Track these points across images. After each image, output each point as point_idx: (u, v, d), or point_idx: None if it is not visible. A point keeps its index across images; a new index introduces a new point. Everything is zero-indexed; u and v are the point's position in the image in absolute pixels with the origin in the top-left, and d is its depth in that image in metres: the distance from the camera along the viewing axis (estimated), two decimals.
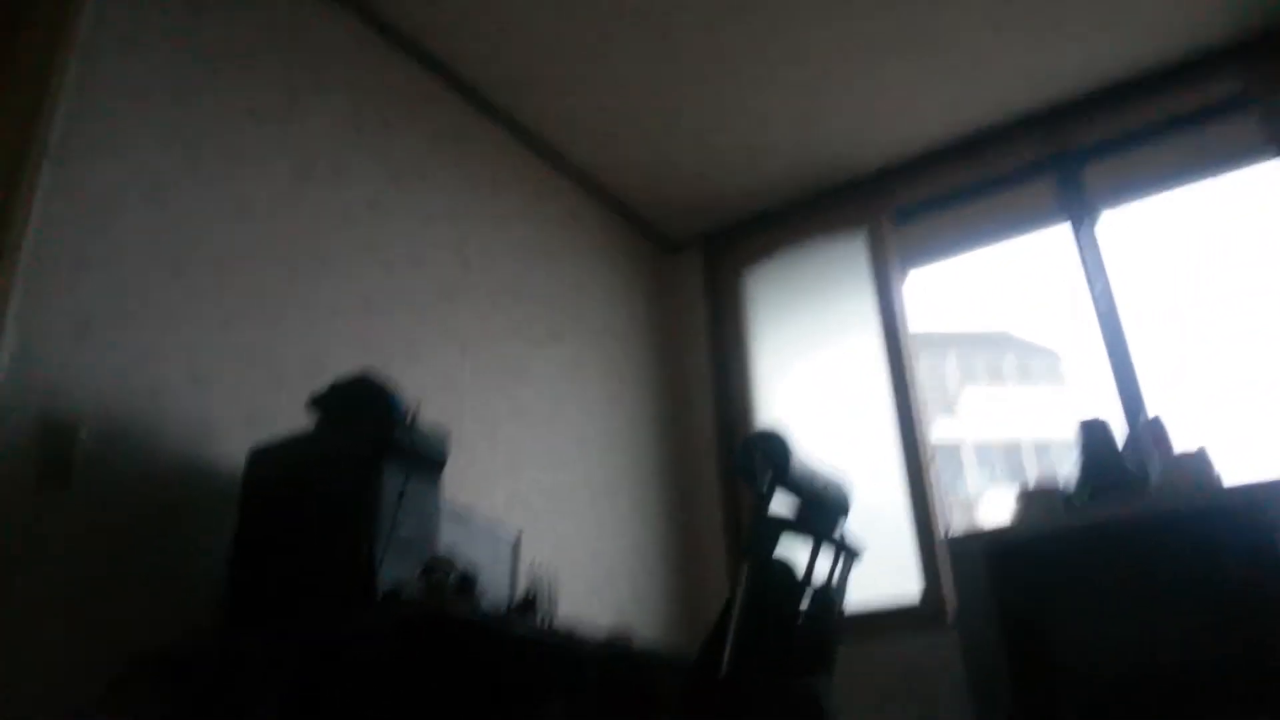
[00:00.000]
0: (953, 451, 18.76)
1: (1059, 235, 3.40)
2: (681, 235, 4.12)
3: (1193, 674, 2.21)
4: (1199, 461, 2.55)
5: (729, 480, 3.62)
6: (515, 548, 2.56)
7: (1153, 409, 3.01)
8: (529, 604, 2.04)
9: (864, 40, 3.11)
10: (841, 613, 2.27)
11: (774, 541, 2.04)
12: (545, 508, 2.97)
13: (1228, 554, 2.25)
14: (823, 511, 2.23)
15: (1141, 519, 2.39)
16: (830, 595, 2.20)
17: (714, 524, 3.58)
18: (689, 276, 4.09)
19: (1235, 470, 2.55)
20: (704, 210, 3.96)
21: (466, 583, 1.77)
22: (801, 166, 3.72)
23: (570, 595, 2.87)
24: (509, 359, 3.05)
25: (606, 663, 1.88)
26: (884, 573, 3.12)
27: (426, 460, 1.93)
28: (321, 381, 2.00)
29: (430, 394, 2.44)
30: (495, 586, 2.36)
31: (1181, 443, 2.67)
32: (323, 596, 1.76)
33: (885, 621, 3.10)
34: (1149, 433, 2.72)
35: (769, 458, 2.15)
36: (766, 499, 2.07)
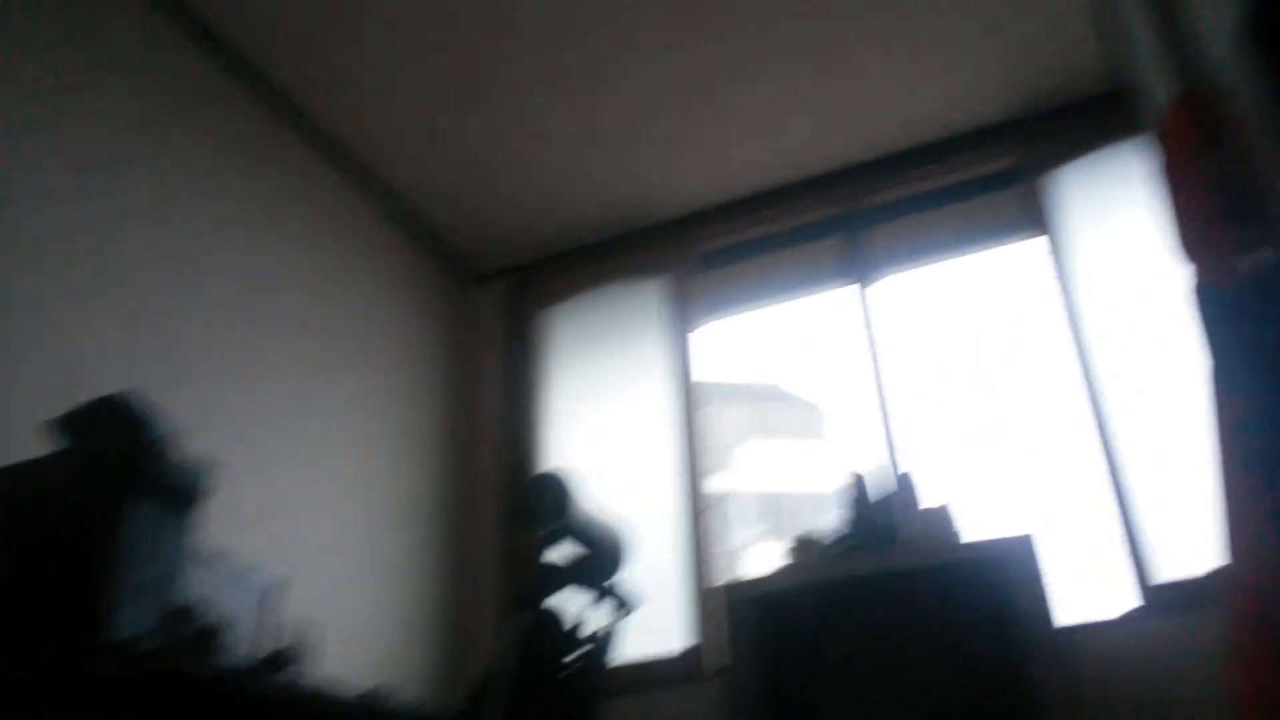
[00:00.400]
0: (726, 502, 19.37)
1: (839, 295, 3.59)
2: (485, 267, 4.01)
3: None
4: (942, 517, 2.72)
5: (510, 527, 3.53)
6: (277, 595, 2.36)
7: (905, 465, 3.21)
8: (279, 659, 1.86)
9: (685, 87, 3.18)
10: (609, 665, 2.24)
11: (548, 591, 1.99)
12: (316, 551, 2.76)
13: (965, 608, 2.40)
14: (601, 560, 2.20)
15: (891, 573, 2.51)
16: (599, 647, 2.16)
17: (491, 572, 3.47)
18: (488, 312, 3.98)
19: (977, 526, 2.74)
20: (510, 244, 3.89)
21: (208, 634, 1.59)
22: (611, 207, 3.74)
23: (335, 647, 2.68)
24: (290, 388, 2.84)
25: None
26: (655, 624, 3.12)
27: (180, 494, 1.74)
28: (76, 403, 1.77)
29: (198, 422, 2.22)
30: (249, 638, 2.15)
31: (929, 499, 2.85)
32: (44, 646, 1.53)
33: (652, 673, 3.08)
34: (900, 488, 2.89)
35: (550, 502, 2.10)
36: (544, 545, 2.02)
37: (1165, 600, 2.68)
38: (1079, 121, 3.35)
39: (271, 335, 2.81)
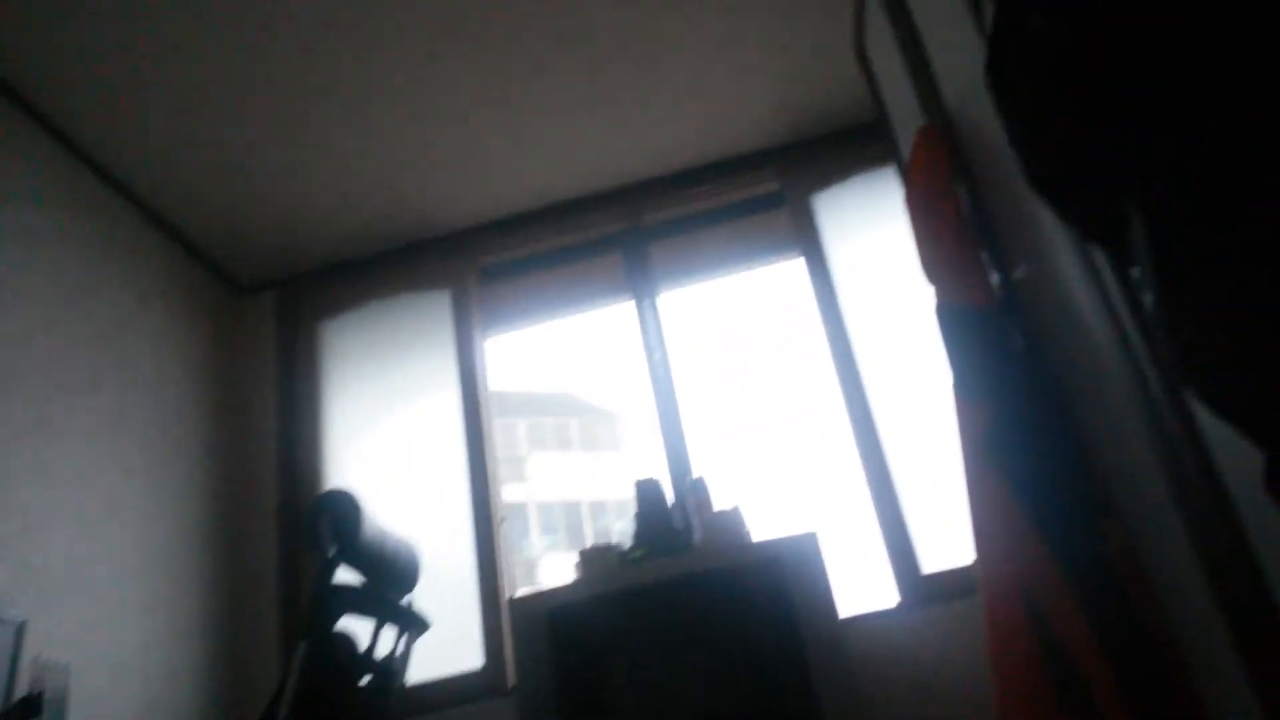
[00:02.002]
0: (519, 511, 19.30)
1: (626, 308, 3.68)
2: (254, 278, 3.79)
3: None
4: (733, 519, 2.82)
5: (288, 546, 3.36)
6: (18, 635, 2.15)
7: (698, 470, 3.32)
8: (28, 705, 1.70)
9: (459, 99, 3.12)
10: (402, 686, 2.19)
11: (335, 616, 1.92)
12: (64, 586, 2.50)
13: (753, 607, 2.50)
14: (391, 581, 2.15)
15: (685, 576, 2.58)
16: (392, 669, 2.11)
17: (270, 597, 3.28)
18: (260, 324, 3.75)
19: (763, 527, 2.87)
20: (281, 254, 3.69)
21: None
22: (389, 219, 3.63)
23: (91, 686, 2.47)
24: (32, 407, 2.56)
25: None
26: (452, 639, 3.07)
27: None
28: None
29: None
30: None
31: (721, 502, 2.96)
32: None
33: (450, 690, 3.03)
34: (693, 492, 2.98)
35: (336, 523, 2.03)
36: (330, 568, 1.95)
37: (931, 591, 2.90)
38: (839, 149, 3.61)
39: (9, 349, 2.53)
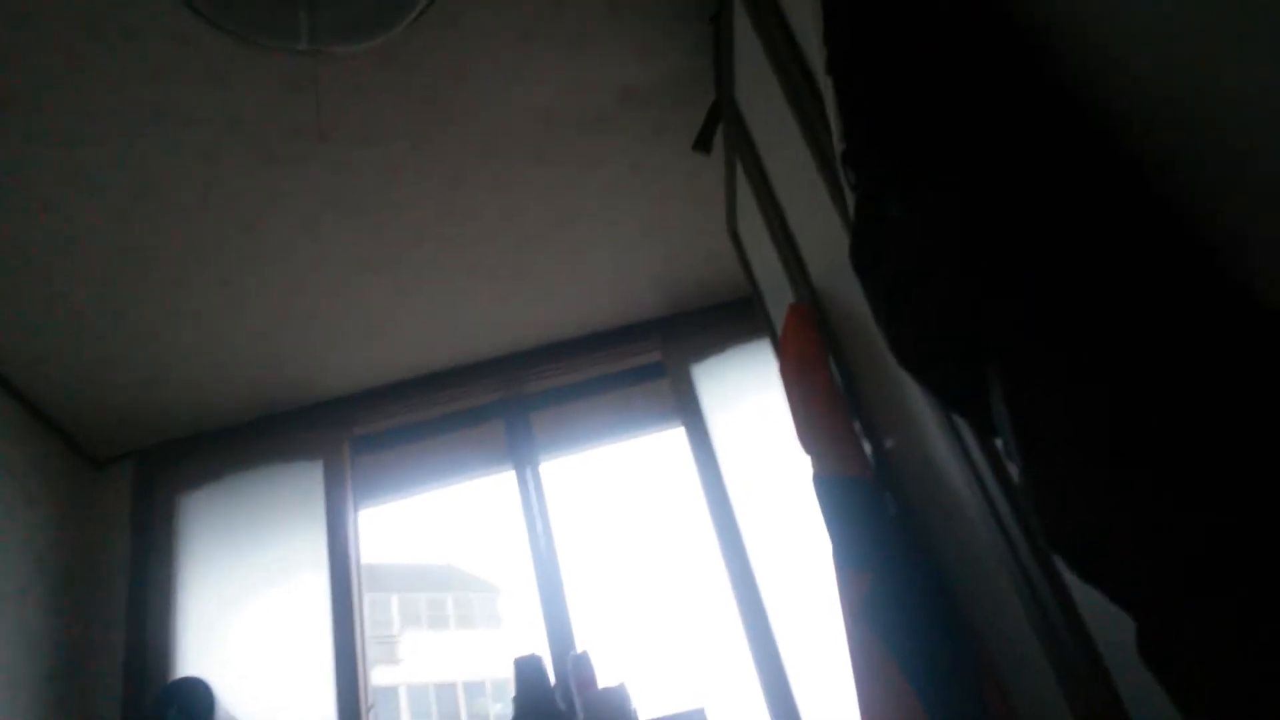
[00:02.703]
0: (390, 695, 18.17)
1: (504, 478, 3.63)
2: (111, 449, 3.59)
3: None
4: (619, 696, 2.73)
5: None
6: None
7: (581, 645, 3.22)
8: None
9: (338, 266, 3.10)
10: None
11: None
12: None
13: None
14: None
15: None
16: None
17: None
18: (114, 498, 3.52)
19: (650, 703, 2.77)
20: (140, 422, 3.51)
21: None
22: (259, 387, 3.53)
23: None
24: None
25: None
26: None
27: None
28: None
29: None
30: None
31: (606, 677, 2.86)
32: None
33: None
34: (576, 668, 2.87)
35: (185, 714, 1.87)
36: None
37: None
38: (717, 321, 3.76)
39: None
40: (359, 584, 3.39)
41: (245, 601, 3.37)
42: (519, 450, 3.66)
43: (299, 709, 3.10)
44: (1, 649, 2.84)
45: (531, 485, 3.58)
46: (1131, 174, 0.91)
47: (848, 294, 1.84)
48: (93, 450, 3.57)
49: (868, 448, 1.96)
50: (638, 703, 2.73)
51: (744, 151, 2.52)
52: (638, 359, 3.81)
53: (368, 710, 3.12)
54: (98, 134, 2.46)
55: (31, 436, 3.28)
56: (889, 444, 1.92)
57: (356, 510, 3.58)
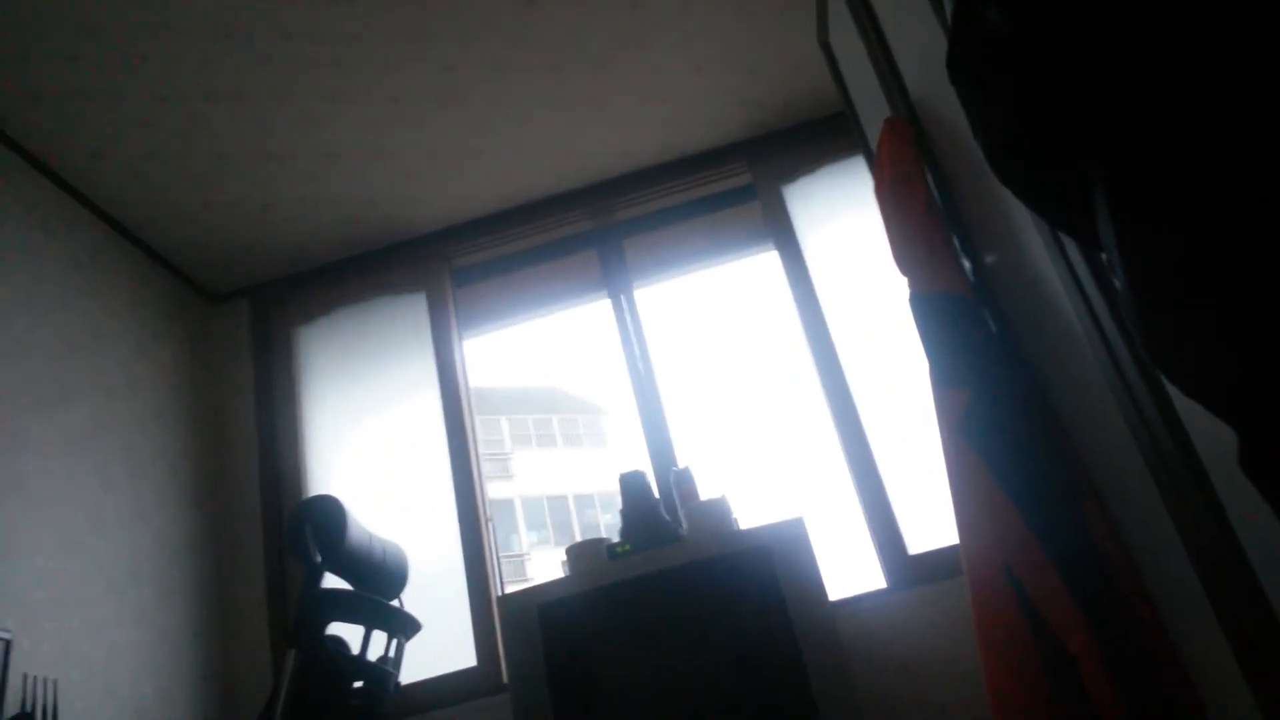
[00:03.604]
0: (506, 508, 19.32)
1: (601, 305, 3.69)
2: (225, 286, 3.78)
3: (721, 712, 2.43)
4: (720, 508, 2.84)
5: (275, 554, 3.35)
6: (5, 654, 2.14)
7: (682, 461, 3.34)
8: None
9: (419, 100, 3.10)
10: (398, 686, 2.19)
11: (324, 623, 1.92)
12: (48, 601, 2.48)
13: (743, 595, 2.52)
14: (378, 584, 2.15)
15: (673, 568, 2.59)
16: (385, 671, 2.12)
17: (258, 603, 3.27)
18: (234, 331, 3.74)
19: (750, 515, 2.89)
20: (251, 261, 3.67)
21: None
22: (358, 223, 3.62)
23: (82, 703, 2.46)
24: (4, 423, 2.54)
25: None
26: (444, 638, 3.08)
27: None
28: None
29: None
30: None
31: (707, 491, 2.98)
32: None
33: (445, 689, 3.04)
34: (678, 483, 2.99)
35: (320, 528, 2.03)
36: (317, 575, 1.95)
37: (918, 572, 2.94)
38: (807, 140, 3.63)
39: None
40: (469, 406, 3.55)
41: (365, 424, 3.58)
42: (613, 278, 3.70)
43: (423, 519, 3.34)
44: (150, 471, 3.11)
45: (627, 311, 3.62)
46: None
47: (947, 106, 1.75)
48: (209, 287, 3.76)
49: (966, 264, 1.91)
50: (739, 513, 2.84)
51: None
52: (727, 182, 3.74)
53: (486, 520, 3.34)
54: None
55: (151, 276, 3.46)
56: (989, 260, 1.87)
57: (461, 338, 3.71)
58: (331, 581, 2.05)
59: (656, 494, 2.96)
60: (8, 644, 2.14)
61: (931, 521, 2.99)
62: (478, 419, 3.57)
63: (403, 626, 2.20)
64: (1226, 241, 0.75)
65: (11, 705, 2.13)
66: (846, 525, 3.15)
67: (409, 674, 2.78)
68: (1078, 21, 0.88)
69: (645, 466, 3.31)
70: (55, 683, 2.29)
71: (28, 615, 2.39)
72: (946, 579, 2.80)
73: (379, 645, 2.13)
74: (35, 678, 2.23)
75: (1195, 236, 0.78)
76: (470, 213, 3.73)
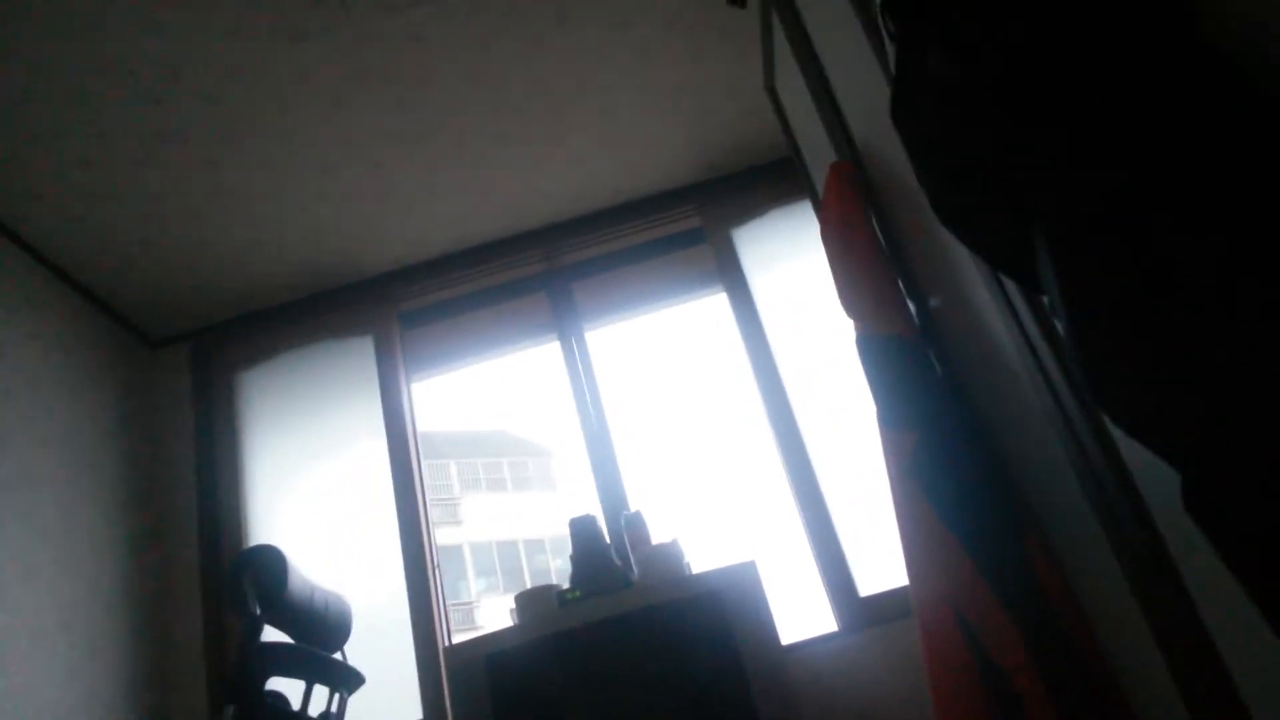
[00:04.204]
0: (455, 554, 19.02)
1: (551, 348, 3.68)
2: (166, 330, 3.70)
3: None
4: (672, 552, 2.82)
5: (213, 606, 3.25)
6: None
7: (634, 504, 3.32)
8: None
9: (369, 143, 3.09)
10: None
11: (263, 677, 1.86)
12: None
13: (695, 640, 2.49)
14: (320, 636, 2.09)
15: (625, 614, 2.55)
16: None
17: (195, 655, 3.16)
18: (174, 376, 3.66)
19: (702, 559, 2.87)
20: (193, 305, 3.60)
21: None
22: (304, 266, 3.57)
23: None
24: None
25: None
26: (389, 691, 3.00)
27: None
28: None
29: None
30: None
31: (659, 534, 2.96)
32: None
33: None
34: (629, 527, 2.97)
35: (260, 579, 1.98)
36: (256, 628, 1.89)
37: (869, 614, 2.94)
38: (756, 183, 3.69)
39: None
40: (417, 451, 3.50)
41: (310, 470, 3.51)
42: (563, 320, 3.69)
43: (369, 567, 3.27)
44: (84, 519, 3.01)
45: (577, 353, 3.62)
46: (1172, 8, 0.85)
47: (890, 150, 1.79)
48: (149, 331, 3.68)
49: (912, 307, 1.94)
50: (690, 557, 2.82)
51: (780, 3, 2.40)
52: (677, 225, 3.77)
53: (434, 567, 3.28)
54: (120, 21, 2.43)
55: (88, 320, 3.38)
56: (934, 302, 1.90)
57: (409, 382, 3.66)
58: (272, 634, 1.99)
59: (607, 538, 2.93)
60: None
61: (882, 563, 3.00)
62: (425, 463, 3.52)
63: (345, 680, 2.14)
64: (1165, 283, 0.77)
65: None
66: (797, 567, 3.15)
67: None
68: (1017, 68, 0.91)
69: (596, 510, 3.28)
70: None
71: None
72: (897, 620, 2.81)
73: (320, 700, 2.07)
74: None
75: (1134, 278, 0.80)
76: (420, 254, 3.70)
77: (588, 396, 3.52)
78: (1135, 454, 1.29)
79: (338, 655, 2.17)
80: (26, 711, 2.51)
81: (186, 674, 3.14)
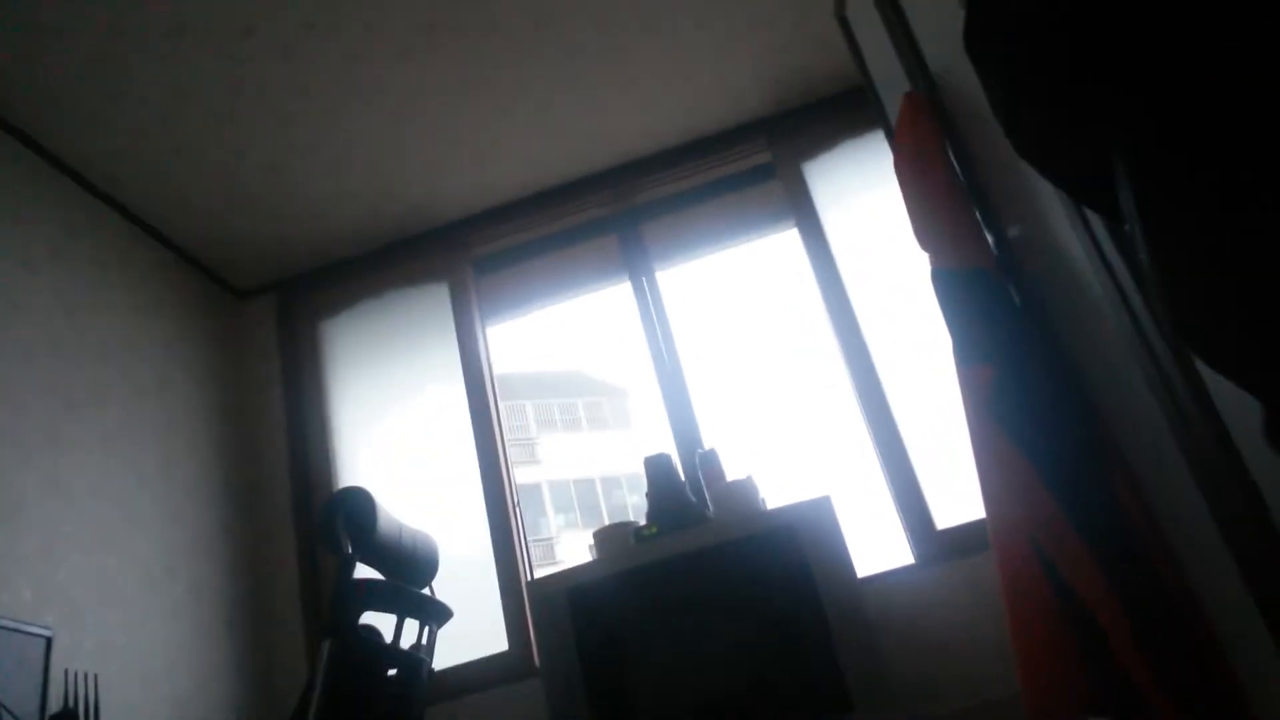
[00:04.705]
0: (534, 492, 19.42)
1: (624, 288, 3.69)
2: (251, 282, 3.82)
3: (751, 693, 2.45)
4: (746, 488, 2.85)
5: (306, 544, 3.40)
6: (47, 650, 2.18)
7: (708, 442, 3.35)
8: (64, 718, 1.73)
9: (439, 89, 3.11)
10: (431, 673, 2.22)
11: (357, 613, 1.95)
12: (88, 598, 2.54)
13: (771, 574, 2.53)
14: (410, 573, 2.17)
15: (701, 549, 2.60)
16: (418, 658, 2.14)
17: (290, 592, 3.33)
18: (260, 327, 3.79)
19: (777, 494, 2.89)
20: (275, 257, 3.71)
21: None
22: (379, 216, 3.64)
23: (120, 696, 2.51)
24: (42, 425, 2.58)
25: None
26: (475, 625, 3.11)
27: None
28: None
29: None
30: (21, 702, 1.99)
31: (733, 472, 2.98)
32: None
33: (477, 674, 3.08)
34: (704, 464, 3.00)
35: (351, 520, 2.06)
36: (349, 565, 1.97)
37: (946, 547, 2.93)
38: (827, 117, 3.60)
39: (10, 369, 2.54)
40: (494, 393, 3.58)
41: (391, 415, 3.62)
42: (634, 261, 3.70)
43: (452, 507, 3.37)
44: (183, 467, 3.16)
45: (649, 294, 3.62)
46: None
47: (966, 80, 1.74)
48: (235, 283, 3.80)
49: (989, 238, 1.90)
50: (765, 493, 2.84)
51: None
52: (747, 161, 3.71)
53: (515, 505, 3.36)
54: None
55: (178, 275, 3.50)
56: (1012, 233, 1.86)
57: (484, 326, 3.72)
58: (364, 572, 2.08)
59: (682, 476, 2.97)
60: (48, 641, 2.19)
61: (959, 495, 2.98)
62: (502, 405, 3.59)
63: (434, 614, 2.22)
64: (1252, 215, 0.74)
65: (54, 701, 2.17)
66: (873, 502, 3.15)
67: (441, 660, 2.81)
68: None
69: (671, 449, 3.31)
70: (96, 677, 2.34)
71: (67, 612, 2.44)
72: (975, 554, 2.80)
73: (412, 633, 2.16)
74: (76, 673, 2.27)
75: (1220, 209, 0.77)
76: (491, 201, 3.73)
77: (660, 336, 3.53)
78: (1221, 388, 1.26)
79: (426, 591, 2.25)
80: (138, 646, 2.68)
81: (284, 611, 3.30)
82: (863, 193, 3.46)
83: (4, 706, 1.53)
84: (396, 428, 3.60)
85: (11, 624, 2.09)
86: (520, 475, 3.47)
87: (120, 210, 3.21)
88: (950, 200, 1.87)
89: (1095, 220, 1.41)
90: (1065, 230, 1.52)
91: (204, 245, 3.54)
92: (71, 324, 2.83)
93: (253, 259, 3.69)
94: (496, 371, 3.67)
